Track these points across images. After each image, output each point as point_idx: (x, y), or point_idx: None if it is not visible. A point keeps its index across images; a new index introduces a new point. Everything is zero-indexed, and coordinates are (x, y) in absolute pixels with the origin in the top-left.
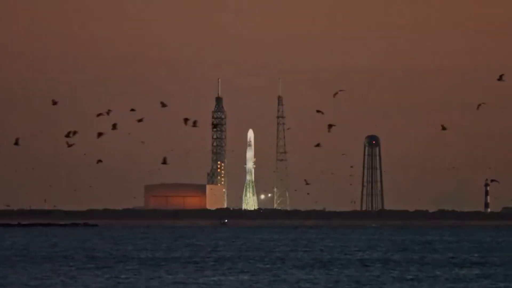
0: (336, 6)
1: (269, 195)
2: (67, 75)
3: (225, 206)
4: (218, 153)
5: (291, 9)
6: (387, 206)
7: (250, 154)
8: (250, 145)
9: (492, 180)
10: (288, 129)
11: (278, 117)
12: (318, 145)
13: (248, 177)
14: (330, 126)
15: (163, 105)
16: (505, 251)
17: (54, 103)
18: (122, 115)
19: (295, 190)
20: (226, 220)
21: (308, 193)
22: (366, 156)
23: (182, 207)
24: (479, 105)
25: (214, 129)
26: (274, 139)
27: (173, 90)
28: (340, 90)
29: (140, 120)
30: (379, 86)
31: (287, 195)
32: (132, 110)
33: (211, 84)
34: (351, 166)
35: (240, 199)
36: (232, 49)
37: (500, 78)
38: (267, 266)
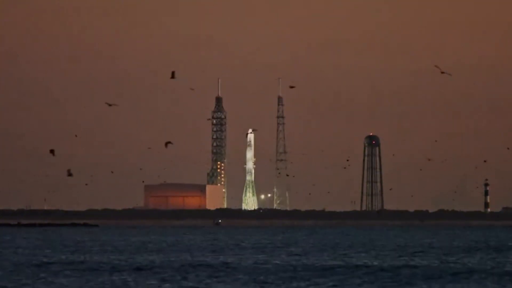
0: (336, 6)
1: (269, 195)
2: (63, 75)
3: (225, 206)
4: (218, 153)
5: (291, 9)
6: (387, 206)
7: (250, 154)
8: (250, 145)
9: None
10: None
11: (278, 117)
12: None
13: (248, 177)
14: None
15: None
16: None
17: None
18: (122, 115)
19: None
20: (219, 221)
21: (309, 193)
22: (366, 156)
23: (182, 207)
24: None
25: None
26: (274, 139)
27: (173, 90)
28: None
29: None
30: (379, 86)
31: (287, 195)
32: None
33: (211, 84)
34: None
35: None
36: (232, 49)
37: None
38: None
